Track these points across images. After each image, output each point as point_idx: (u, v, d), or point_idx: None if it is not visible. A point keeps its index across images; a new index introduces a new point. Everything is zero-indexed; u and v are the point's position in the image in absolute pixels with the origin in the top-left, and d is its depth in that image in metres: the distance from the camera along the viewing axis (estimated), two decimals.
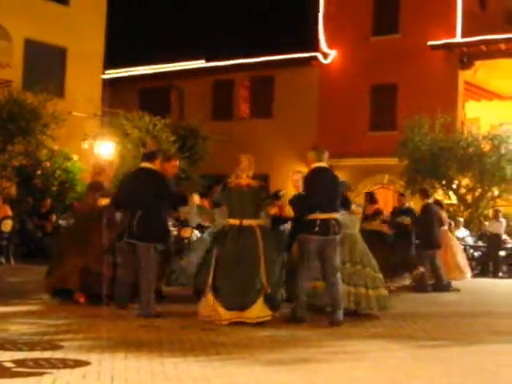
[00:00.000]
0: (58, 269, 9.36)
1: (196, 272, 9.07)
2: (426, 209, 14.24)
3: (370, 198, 13.27)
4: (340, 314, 8.38)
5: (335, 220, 8.48)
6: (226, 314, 7.98)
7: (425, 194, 14.78)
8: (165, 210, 8.91)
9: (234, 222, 8.39)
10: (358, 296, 9.03)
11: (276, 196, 9.61)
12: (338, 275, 8.51)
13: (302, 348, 6.94)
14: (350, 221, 9.36)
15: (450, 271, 14.60)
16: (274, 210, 8.85)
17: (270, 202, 8.75)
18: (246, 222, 8.31)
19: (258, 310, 8.01)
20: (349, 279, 9.02)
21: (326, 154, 8.82)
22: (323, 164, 8.70)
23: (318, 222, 8.32)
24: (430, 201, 14.72)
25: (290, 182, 10.14)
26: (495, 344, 7.85)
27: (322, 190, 8.51)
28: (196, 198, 10.26)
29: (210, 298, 8.10)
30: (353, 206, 9.39)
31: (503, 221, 19.02)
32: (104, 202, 9.21)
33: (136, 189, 8.59)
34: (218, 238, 8.72)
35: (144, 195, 8.44)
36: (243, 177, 8.48)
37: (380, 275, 9.44)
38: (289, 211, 8.70)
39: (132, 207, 8.54)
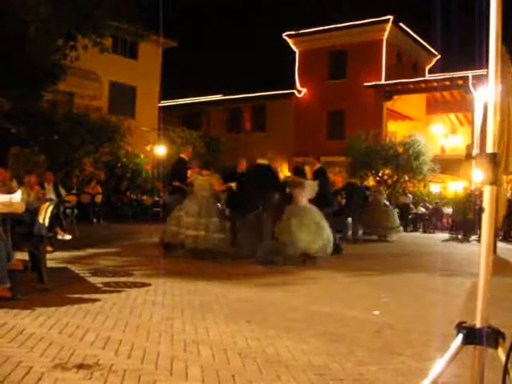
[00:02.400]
0: None
1: None
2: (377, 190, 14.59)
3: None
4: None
5: (175, 185, 9.11)
6: None
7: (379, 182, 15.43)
8: None
9: None
10: (197, 237, 8.00)
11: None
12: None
13: (282, 276, 6.96)
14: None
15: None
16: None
17: None
18: None
19: None
20: (196, 226, 8.04)
21: (188, 149, 10.11)
22: (181, 155, 9.71)
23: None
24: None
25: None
26: (409, 273, 7.85)
27: (172, 169, 9.64)
28: None
29: None
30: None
31: (409, 195, 19.24)
32: None
33: None
34: None
35: None
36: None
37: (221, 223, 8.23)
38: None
39: None
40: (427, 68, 28.82)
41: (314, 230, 8.09)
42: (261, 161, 8.45)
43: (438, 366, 1.88)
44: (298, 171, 8.71)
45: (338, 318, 4.48)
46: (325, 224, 8.31)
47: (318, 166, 9.46)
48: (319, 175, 9.16)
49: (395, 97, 24.84)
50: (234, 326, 4.00)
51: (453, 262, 9.77)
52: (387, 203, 14.49)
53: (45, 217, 5.45)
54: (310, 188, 8.44)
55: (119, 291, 5.19)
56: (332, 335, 3.91)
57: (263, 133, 27.60)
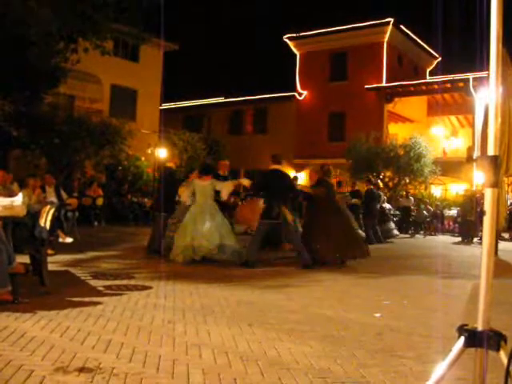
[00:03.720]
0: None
1: None
2: (369, 192, 13.84)
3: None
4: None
5: None
6: None
7: (369, 181, 14.72)
8: None
9: None
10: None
11: None
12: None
13: (284, 278, 6.96)
14: None
15: None
16: None
17: None
18: None
19: None
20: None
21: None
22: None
23: None
24: (372, 186, 14.13)
25: None
26: (411, 275, 7.81)
27: None
28: None
29: None
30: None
31: (411, 198, 19.19)
32: None
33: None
34: None
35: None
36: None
37: None
38: None
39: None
40: (428, 70, 28.87)
41: (196, 233, 7.83)
42: (167, 164, 8.90)
43: (440, 368, 1.88)
44: (206, 169, 8.51)
45: (340, 321, 4.48)
46: (225, 233, 7.92)
47: (272, 167, 8.26)
48: (266, 177, 8.34)
49: (396, 99, 24.85)
50: (236, 329, 4.00)
51: (454, 264, 9.74)
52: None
53: (46, 220, 5.45)
54: (199, 188, 8.15)
55: (120, 294, 5.19)
56: (333, 338, 3.91)
57: (264, 135, 27.62)
